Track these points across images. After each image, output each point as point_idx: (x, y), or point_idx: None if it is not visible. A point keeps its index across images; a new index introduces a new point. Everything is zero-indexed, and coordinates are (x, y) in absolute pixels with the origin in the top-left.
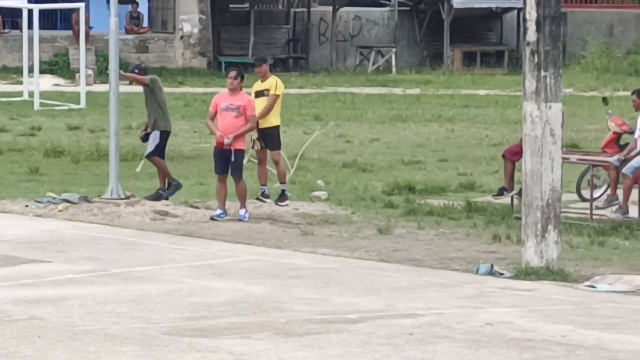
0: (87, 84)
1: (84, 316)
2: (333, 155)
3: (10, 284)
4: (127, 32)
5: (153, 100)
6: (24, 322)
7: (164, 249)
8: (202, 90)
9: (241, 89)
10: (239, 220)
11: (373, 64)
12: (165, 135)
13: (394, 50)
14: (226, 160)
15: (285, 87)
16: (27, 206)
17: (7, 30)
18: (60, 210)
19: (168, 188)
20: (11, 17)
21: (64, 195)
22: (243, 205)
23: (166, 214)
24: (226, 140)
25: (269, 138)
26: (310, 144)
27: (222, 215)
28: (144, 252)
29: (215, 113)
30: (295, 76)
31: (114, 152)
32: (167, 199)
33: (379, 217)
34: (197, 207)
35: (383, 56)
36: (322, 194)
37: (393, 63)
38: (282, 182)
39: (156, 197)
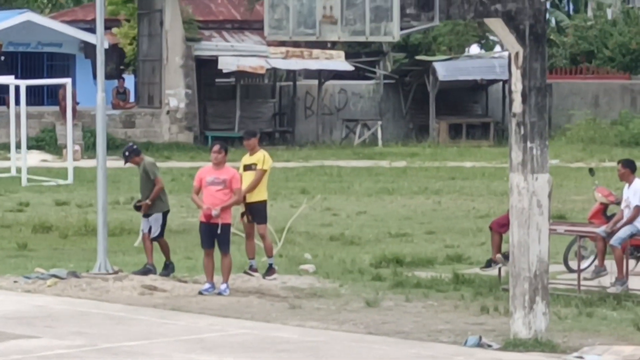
0: (75, 160)
1: None
2: (320, 228)
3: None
4: (114, 107)
5: (150, 182)
6: None
7: (153, 323)
8: (188, 165)
9: (225, 163)
10: (219, 294)
11: (359, 137)
12: (166, 214)
13: (379, 123)
14: (213, 235)
15: (272, 161)
16: (15, 282)
17: None
18: (49, 286)
19: (165, 268)
20: None
21: (53, 271)
22: (225, 280)
23: (154, 288)
24: (214, 212)
25: (256, 212)
26: (297, 217)
27: (210, 290)
28: (133, 326)
29: (200, 187)
30: (282, 149)
31: (102, 227)
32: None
33: (367, 290)
34: (185, 282)
35: (369, 129)
36: (310, 267)
37: (379, 136)
38: (270, 256)
39: (144, 271)
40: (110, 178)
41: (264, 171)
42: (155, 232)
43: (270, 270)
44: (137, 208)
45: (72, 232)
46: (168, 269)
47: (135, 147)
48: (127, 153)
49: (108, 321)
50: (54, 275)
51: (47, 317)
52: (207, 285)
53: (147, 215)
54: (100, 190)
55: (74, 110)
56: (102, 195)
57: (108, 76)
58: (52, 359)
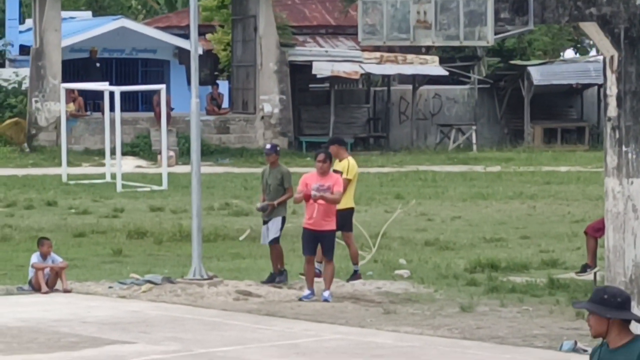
0: (169, 165)
1: None
2: (415, 233)
3: None
4: (208, 113)
5: (281, 188)
6: None
7: (247, 328)
8: None
9: (330, 171)
10: (324, 301)
11: (454, 141)
12: (284, 220)
13: (474, 127)
14: (315, 242)
15: (366, 166)
16: (110, 287)
17: (89, 113)
18: (143, 291)
19: (280, 274)
20: (93, 99)
21: (147, 277)
22: (328, 287)
23: (249, 294)
24: (313, 193)
25: (341, 220)
26: (391, 222)
27: (310, 296)
28: (227, 332)
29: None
30: (376, 155)
31: (197, 232)
32: (279, 282)
33: (462, 295)
34: (279, 287)
35: (463, 134)
36: (405, 272)
37: (474, 141)
38: (355, 263)
39: (271, 279)
40: (204, 184)
41: (348, 180)
42: (274, 234)
43: (354, 276)
44: (262, 209)
45: (166, 237)
46: (282, 276)
47: (279, 147)
48: (277, 148)
49: (202, 327)
50: (149, 281)
51: (142, 322)
52: (307, 292)
53: (265, 222)
54: (195, 196)
55: (168, 116)
56: (196, 201)
57: (202, 82)
58: None
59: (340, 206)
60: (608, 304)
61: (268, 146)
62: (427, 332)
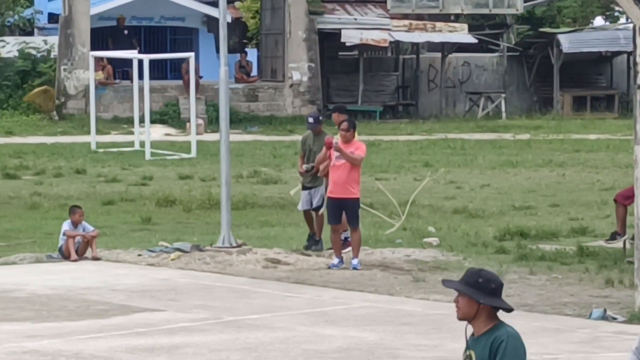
0: (198, 133)
1: None
2: (444, 201)
3: (125, 333)
4: (237, 81)
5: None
6: None
7: (276, 296)
8: None
9: (353, 139)
10: (353, 269)
11: (483, 109)
12: (326, 188)
13: (503, 95)
14: (339, 210)
15: (395, 134)
16: (140, 255)
17: (117, 81)
18: (172, 259)
19: (316, 243)
20: (122, 67)
21: (176, 244)
22: (356, 255)
23: (278, 262)
24: (334, 141)
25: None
26: (420, 190)
27: (339, 264)
28: (256, 300)
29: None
30: (405, 123)
31: (226, 200)
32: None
33: (491, 263)
34: (308, 255)
35: (492, 102)
36: (434, 240)
37: (503, 108)
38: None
39: (311, 243)
40: (233, 152)
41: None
42: (318, 202)
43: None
44: (308, 170)
45: (195, 205)
46: (319, 245)
47: (321, 116)
48: (320, 118)
49: (231, 294)
50: (178, 249)
51: (171, 290)
52: (336, 260)
53: (307, 188)
54: (224, 164)
55: (197, 84)
56: (225, 169)
57: (231, 50)
58: (177, 332)
59: None
60: (482, 289)
61: (311, 119)
62: None
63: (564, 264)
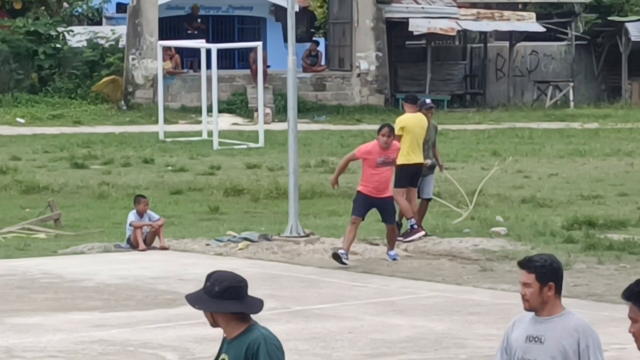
0: (266, 123)
1: None
2: (512, 190)
3: (193, 323)
4: (305, 70)
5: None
6: None
7: (344, 286)
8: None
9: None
10: (392, 260)
11: (551, 98)
12: None
13: (571, 84)
14: (370, 207)
15: (463, 123)
16: (207, 245)
17: (185, 70)
18: (240, 249)
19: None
20: (190, 57)
21: (244, 234)
22: (392, 247)
23: None
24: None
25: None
26: (488, 179)
27: (345, 256)
28: (324, 289)
29: (357, 159)
30: (473, 112)
31: (293, 190)
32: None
33: (559, 252)
34: (376, 244)
35: (560, 91)
36: (501, 229)
37: (571, 97)
38: (408, 218)
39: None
40: (301, 141)
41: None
42: (429, 192)
43: (411, 232)
44: (432, 167)
45: (263, 195)
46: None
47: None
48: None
49: (299, 284)
50: (246, 239)
51: None
52: (342, 251)
53: (426, 175)
54: (292, 153)
55: (264, 73)
56: (293, 158)
57: (299, 39)
58: None
59: (398, 162)
60: (208, 292)
61: (428, 100)
62: None
63: (632, 253)
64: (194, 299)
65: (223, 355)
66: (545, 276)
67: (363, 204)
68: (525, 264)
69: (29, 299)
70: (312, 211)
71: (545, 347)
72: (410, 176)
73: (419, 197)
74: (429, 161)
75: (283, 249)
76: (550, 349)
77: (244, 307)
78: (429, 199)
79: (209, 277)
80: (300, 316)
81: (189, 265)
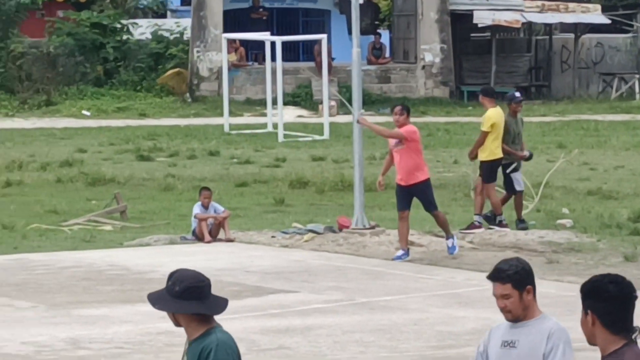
0: (330, 115)
1: (332, 345)
2: (577, 182)
3: (259, 314)
4: (369, 62)
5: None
6: (273, 352)
7: (410, 278)
8: (444, 120)
9: (407, 124)
10: (450, 252)
11: (616, 90)
12: None
13: (637, 76)
14: (408, 197)
15: (528, 116)
16: (273, 237)
17: (250, 63)
18: (306, 241)
19: (521, 222)
20: (254, 49)
21: (310, 226)
22: (449, 235)
23: (411, 243)
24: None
25: (481, 170)
26: (554, 171)
27: (404, 256)
28: (389, 281)
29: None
30: (538, 104)
31: (359, 182)
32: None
33: (625, 245)
34: (441, 237)
35: (626, 83)
36: (567, 221)
37: (636, 89)
38: (476, 214)
39: (489, 217)
40: (365, 133)
41: (483, 133)
42: (517, 185)
43: (470, 226)
44: (529, 158)
45: (328, 187)
46: (524, 224)
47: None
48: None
49: (365, 276)
50: (311, 231)
51: (305, 272)
52: (400, 252)
53: (515, 170)
54: (357, 146)
55: (329, 65)
56: (358, 151)
57: (363, 32)
58: (310, 314)
59: (480, 157)
60: (170, 292)
61: (517, 93)
62: None
63: None
64: (155, 299)
65: (185, 358)
66: (522, 281)
67: (400, 195)
68: (497, 275)
69: (96, 290)
70: (377, 203)
71: (519, 352)
72: (496, 170)
73: (512, 192)
74: (527, 152)
75: (348, 241)
76: (523, 353)
77: (203, 308)
78: (522, 191)
79: (171, 275)
80: (366, 308)
81: (255, 257)
